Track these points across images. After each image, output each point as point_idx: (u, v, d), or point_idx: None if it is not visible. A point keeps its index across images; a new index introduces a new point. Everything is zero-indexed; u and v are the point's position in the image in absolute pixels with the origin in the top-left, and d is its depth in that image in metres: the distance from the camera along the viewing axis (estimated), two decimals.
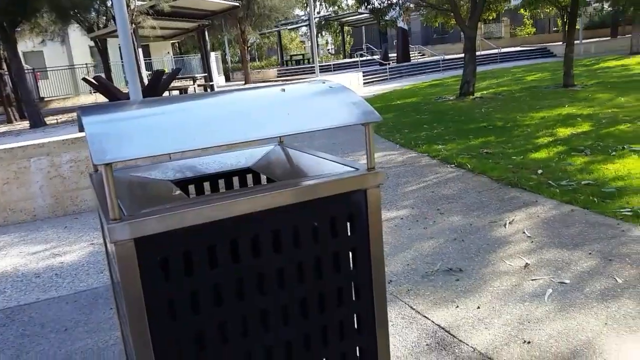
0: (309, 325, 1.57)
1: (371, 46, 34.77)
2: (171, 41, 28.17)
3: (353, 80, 18.67)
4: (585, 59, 20.72)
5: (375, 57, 28.31)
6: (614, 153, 5.56)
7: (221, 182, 2.07)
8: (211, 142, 1.38)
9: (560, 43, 24.99)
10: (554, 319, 2.53)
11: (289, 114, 1.56)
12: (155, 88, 12.04)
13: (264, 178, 2.02)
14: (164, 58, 27.61)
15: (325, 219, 1.54)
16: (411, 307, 2.75)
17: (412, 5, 21.83)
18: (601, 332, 2.39)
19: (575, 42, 14.17)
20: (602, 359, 2.20)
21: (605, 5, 25.24)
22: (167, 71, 14.85)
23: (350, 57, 34.42)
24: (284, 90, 1.70)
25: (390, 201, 4.65)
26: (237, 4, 20.61)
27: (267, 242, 1.46)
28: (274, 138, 2.04)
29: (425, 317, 2.65)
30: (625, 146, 5.77)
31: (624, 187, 4.38)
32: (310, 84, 1.78)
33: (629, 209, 3.85)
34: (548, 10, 21.56)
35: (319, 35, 39.95)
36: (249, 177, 2.09)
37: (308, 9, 25.03)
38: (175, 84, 17.31)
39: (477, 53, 15.00)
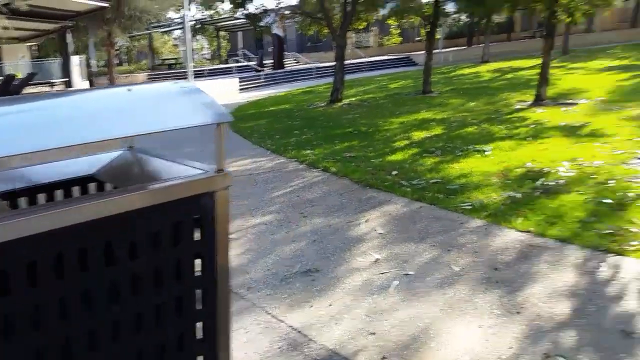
0: (144, 339, 1.52)
1: (248, 52, 34.65)
2: (28, 43, 25.73)
3: (229, 86, 18.49)
4: (444, 66, 22.56)
5: (252, 63, 28.30)
6: (460, 153, 6.13)
7: (60, 193, 1.92)
8: (38, 145, 1.25)
9: (423, 52, 26.91)
10: (398, 309, 2.73)
11: (134, 114, 1.49)
12: (4, 94, 10.93)
13: (109, 186, 1.91)
14: (19, 62, 25.08)
15: (167, 225, 1.48)
16: (267, 312, 2.79)
17: (287, 12, 22.19)
18: (437, 318, 2.63)
19: (435, 51, 15.36)
20: (435, 343, 2.42)
21: (463, 16, 27.61)
22: (20, 76, 13.53)
23: (226, 63, 34.04)
24: (130, 90, 1.62)
25: (257, 207, 4.68)
26: (106, 5, 19.38)
27: (99, 255, 1.38)
28: (122, 144, 1.95)
29: (280, 320, 2.70)
30: (470, 146, 6.39)
31: (466, 184, 4.85)
32: (160, 85, 1.72)
33: (469, 203, 4.27)
34: (413, 20, 23.10)
35: (194, 39, 38.99)
36: (92, 186, 1.97)
37: (182, 12, 24.31)
38: (29, 89, 15.82)
39: (348, 61, 15.62)
